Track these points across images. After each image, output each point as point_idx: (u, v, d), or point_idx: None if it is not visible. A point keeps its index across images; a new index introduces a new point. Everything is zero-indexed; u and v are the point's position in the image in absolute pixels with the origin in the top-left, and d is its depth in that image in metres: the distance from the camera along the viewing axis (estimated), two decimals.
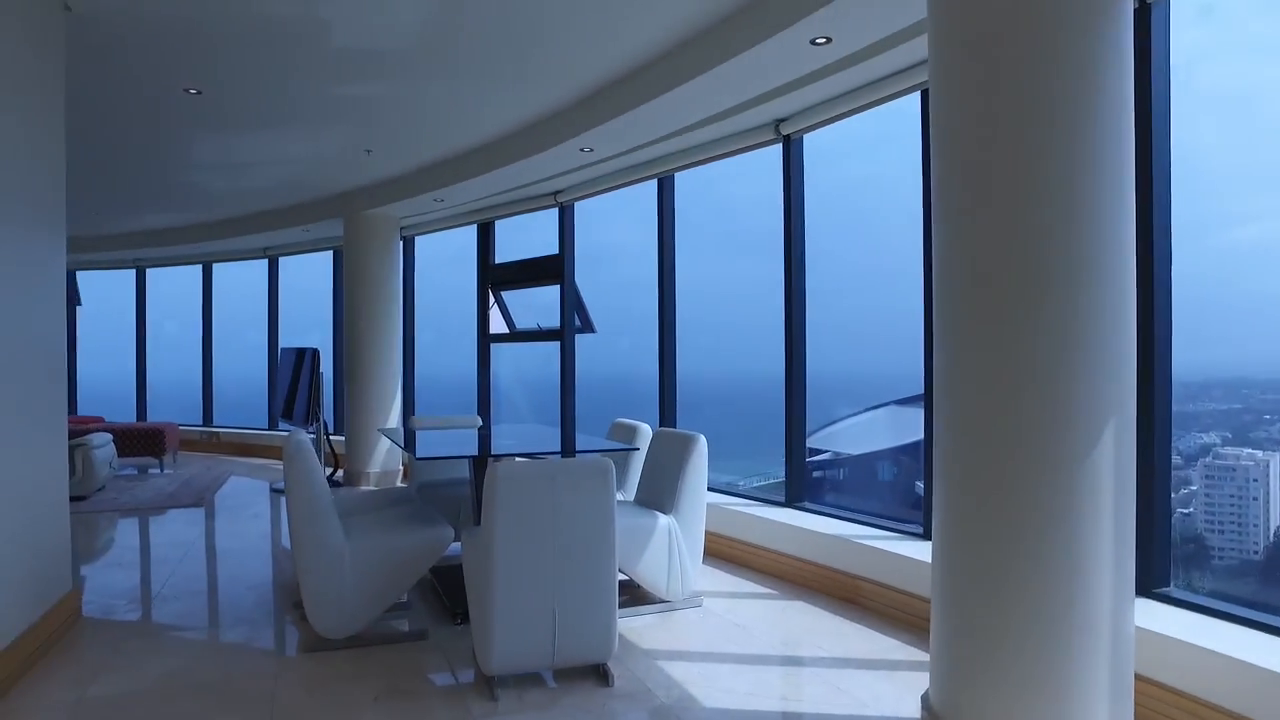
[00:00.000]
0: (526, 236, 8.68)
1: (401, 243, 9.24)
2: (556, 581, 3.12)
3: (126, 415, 11.68)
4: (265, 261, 10.81)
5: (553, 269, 7.81)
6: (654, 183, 6.46)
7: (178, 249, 10.60)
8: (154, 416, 11.64)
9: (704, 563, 4.50)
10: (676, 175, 6.30)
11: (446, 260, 10.47)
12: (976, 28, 2.46)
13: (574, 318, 7.76)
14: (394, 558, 3.70)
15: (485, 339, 8.73)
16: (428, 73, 4.88)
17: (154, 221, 9.93)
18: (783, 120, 5.07)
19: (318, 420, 8.13)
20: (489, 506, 3.07)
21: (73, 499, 7.31)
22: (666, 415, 6.39)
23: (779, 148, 5.21)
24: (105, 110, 5.54)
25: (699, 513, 4.26)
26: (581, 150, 5.85)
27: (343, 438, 8.67)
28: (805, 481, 5.25)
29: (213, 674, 3.37)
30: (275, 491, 7.77)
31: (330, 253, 10.17)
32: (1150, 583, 3.08)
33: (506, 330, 8.66)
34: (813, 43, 3.76)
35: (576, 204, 7.62)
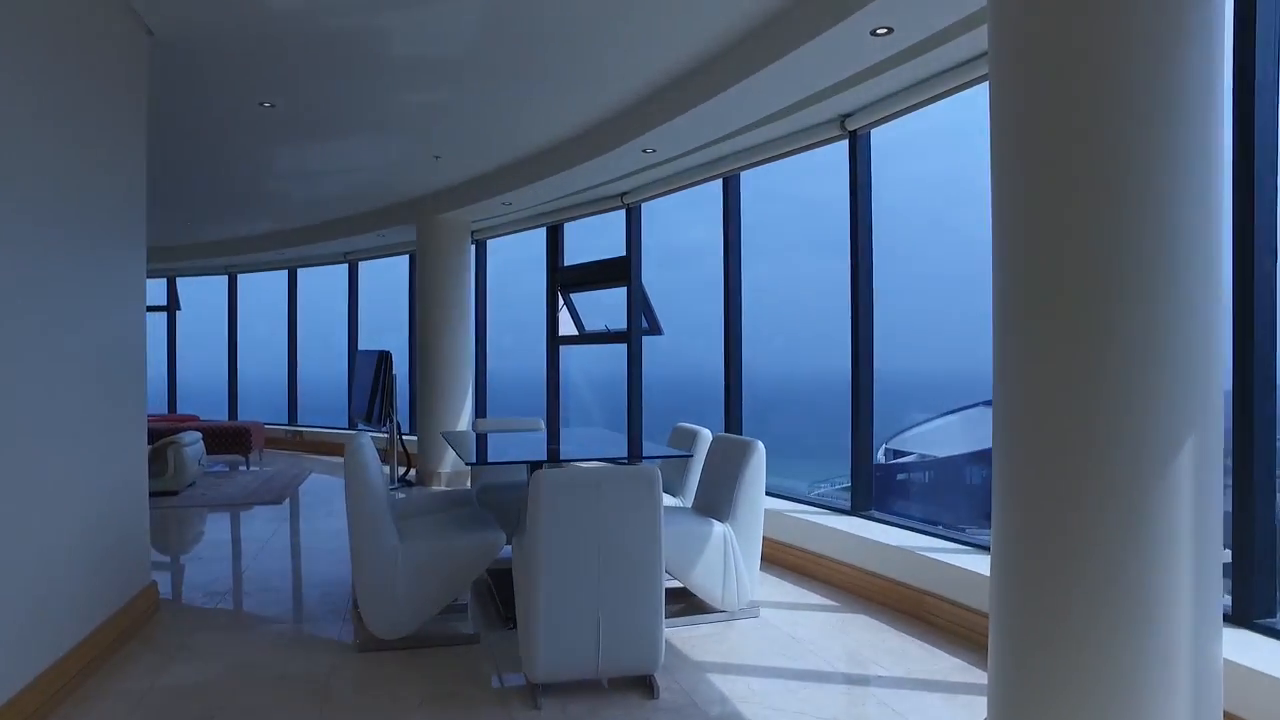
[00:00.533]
0: (597, 239, 8.70)
1: (474, 246, 9.41)
2: (602, 590, 3.07)
3: (220, 414, 12.24)
4: (346, 266, 11.15)
5: (620, 271, 7.79)
6: (719, 182, 6.36)
7: (265, 255, 11.04)
8: (244, 416, 12.15)
9: (765, 572, 4.39)
10: (748, 174, 6.18)
11: (527, 263, 10.59)
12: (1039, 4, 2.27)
13: (641, 319, 7.72)
14: (446, 560, 3.72)
15: (554, 341, 8.78)
16: (486, 77, 4.92)
17: (242, 229, 10.37)
18: (848, 115, 4.90)
19: (390, 421, 8.33)
20: (534, 513, 3.04)
21: (164, 494, 7.73)
22: (731, 418, 6.28)
23: (845, 144, 5.04)
24: (188, 126, 5.79)
25: (756, 520, 4.14)
26: (644, 151, 5.80)
27: (415, 438, 8.86)
28: (872, 489, 5.05)
29: (271, 669, 3.44)
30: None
31: (407, 256, 10.41)
32: (1251, 613, 2.83)
33: (575, 332, 8.69)
34: (873, 33, 3.61)
35: (643, 205, 7.58)
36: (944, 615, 3.84)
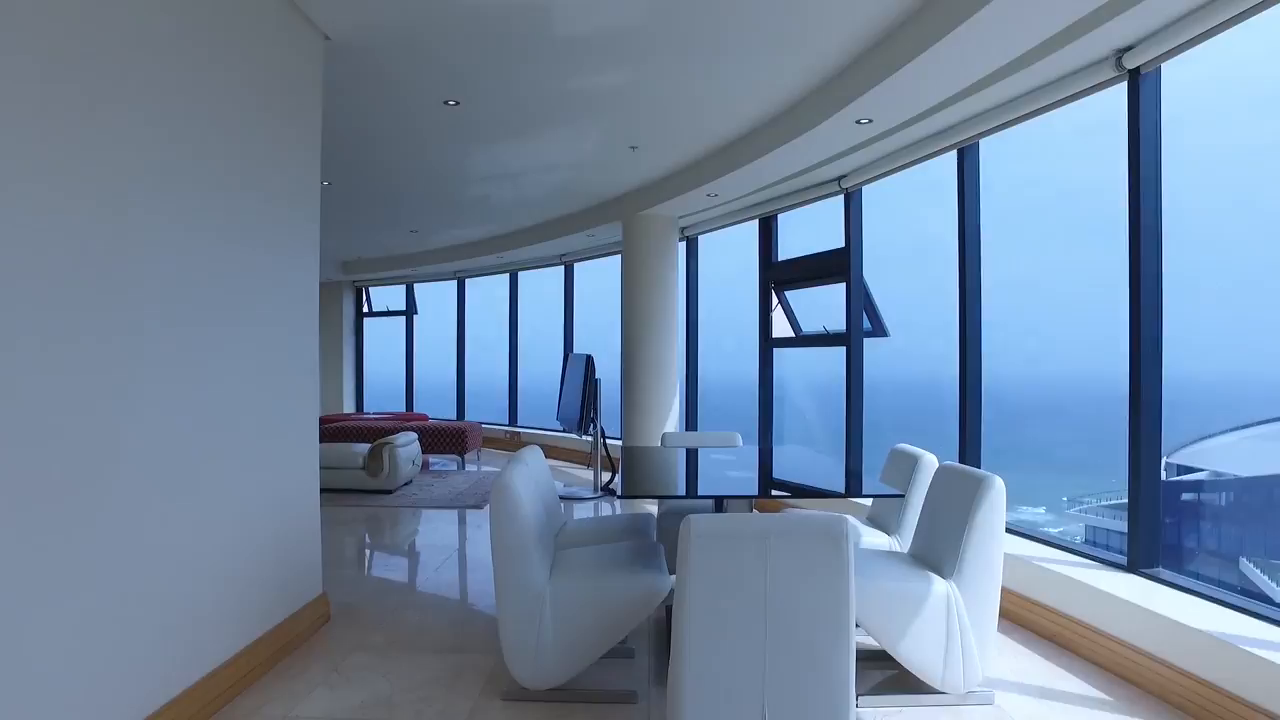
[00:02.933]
0: (816, 231, 7.86)
1: (684, 244, 8.92)
2: (768, 670, 2.37)
3: (451, 413, 12.81)
4: (562, 268, 11.14)
5: (838, 264, 6.91)
6: (952, 157, 5.32)
7: (487, 259, 11.31)
8: (471, 416, 12.61)
9: (1004, 634, 3.42)
10: (984, 143, 5.12)
11: (742, 261, 9.98)
12: None
13: (863, 319, 6.79)
14: (600, 606, 3.18)
15: (767, 343, 8.05)
16: (669, 49, 4.34)
17: (463, 234, 10.66)
18: (1127, 50, 3.75)
19: (594, 426, 8.05)
20: (681, 568, 2.40)
21: (380, 492, 7.98)
22: (968, 434, 5.21)
23: (1122, 88, 3.88)
24: (382, 131, 5.78)
25: (991, 579, 3.20)
26: (859, 122, 4.94)
27: (620, 441, 8.52)
28: (1159, 537, 3.83)
29: (407, 709, 3.10)
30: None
31: (619, 256, 10.16)
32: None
33: (791, 334, 7.91)
34: None
35: (863, 190, 6.65)
36: None
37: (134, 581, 2.65)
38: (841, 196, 6.81)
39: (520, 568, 3.12)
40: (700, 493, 3.54)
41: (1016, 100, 4.51)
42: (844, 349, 6.87)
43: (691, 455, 4.58)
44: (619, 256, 10.05)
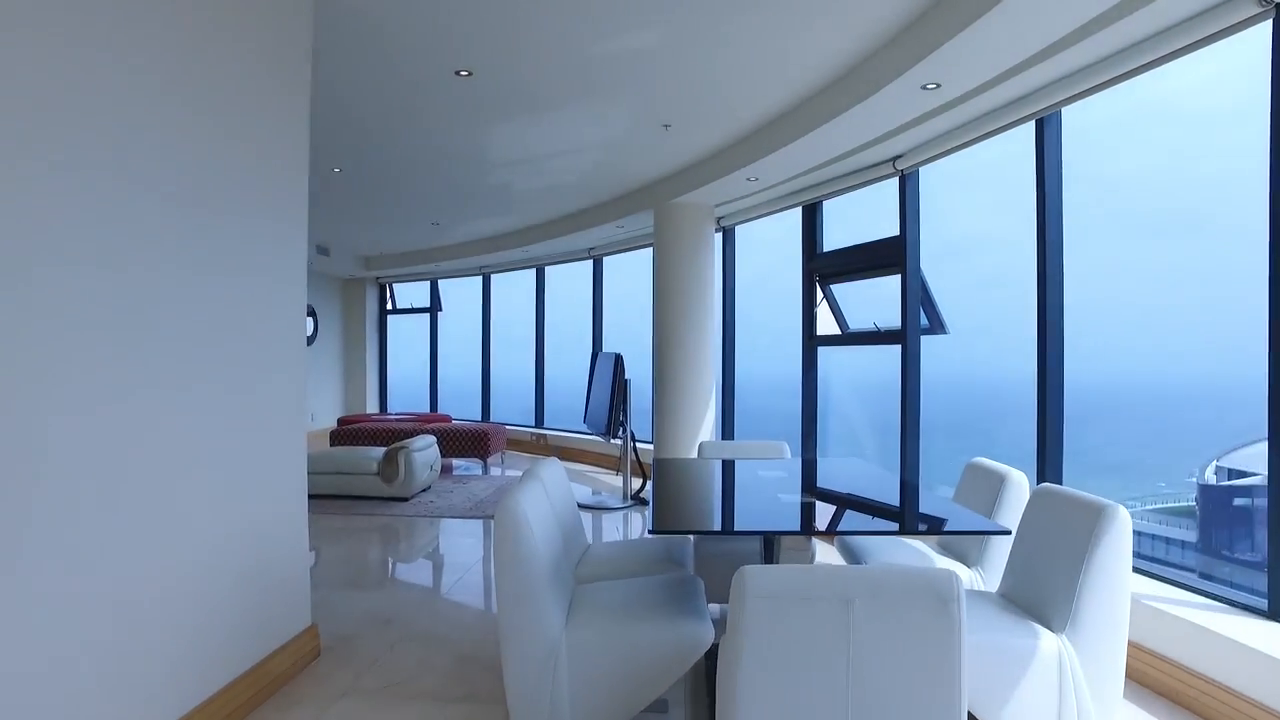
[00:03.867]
0: (857, 222, 7.22)
1: (720, 235, 8.31)
2: None
3: (476, 414, 12.31)
4: (591, 262, 10.58)
5: (892, 254, 6.26)
6: (1029, 130, 4.66)
7: (512, 253, 10.79)
8: (496, 417, 12.11)
9: (1128, 698, 2.80)
10: (1067, 112, 4.46)
11: (778, 255, 9.35)
12: None
13: (919, 315, 6.14)
14: (628, 660, 2.60)
15: (811, 341, 7.42)
16: (703, 6, 3.76)
17: (487, 227, 10.15)
18: None
19: (624, 430, 7.48)
20: (734, 634, 1.82)
21: (395, 499, 7.49)
22: (1048, 443, 4.56)
23: (1267, 27, 3.21)
24: (392, 105, 5.24)
25: (1115, 635, 2.57)
26: (925, 88, 4.31)
27: (651, 445, 7.94)
28: None
29: None
30: (583, 507, 7.23)
31: (650, 249, 9.57)
32: None
33: (837, 331, 7.27)
34: None
35: (921, 171, 6.00)
36: None
37: (67, 624, 2.13)
38: (896, 179, 6.16)
39: (530, 613, 2.55)
40: (746, 527, 2.94)
41: (1107, 61, 3.84)
42: (899, 348, 6.23)
43: (732, 470, 3.99)
44: (650, 250, 9.47)
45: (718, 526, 2.92)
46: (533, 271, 11.52)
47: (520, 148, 6.41)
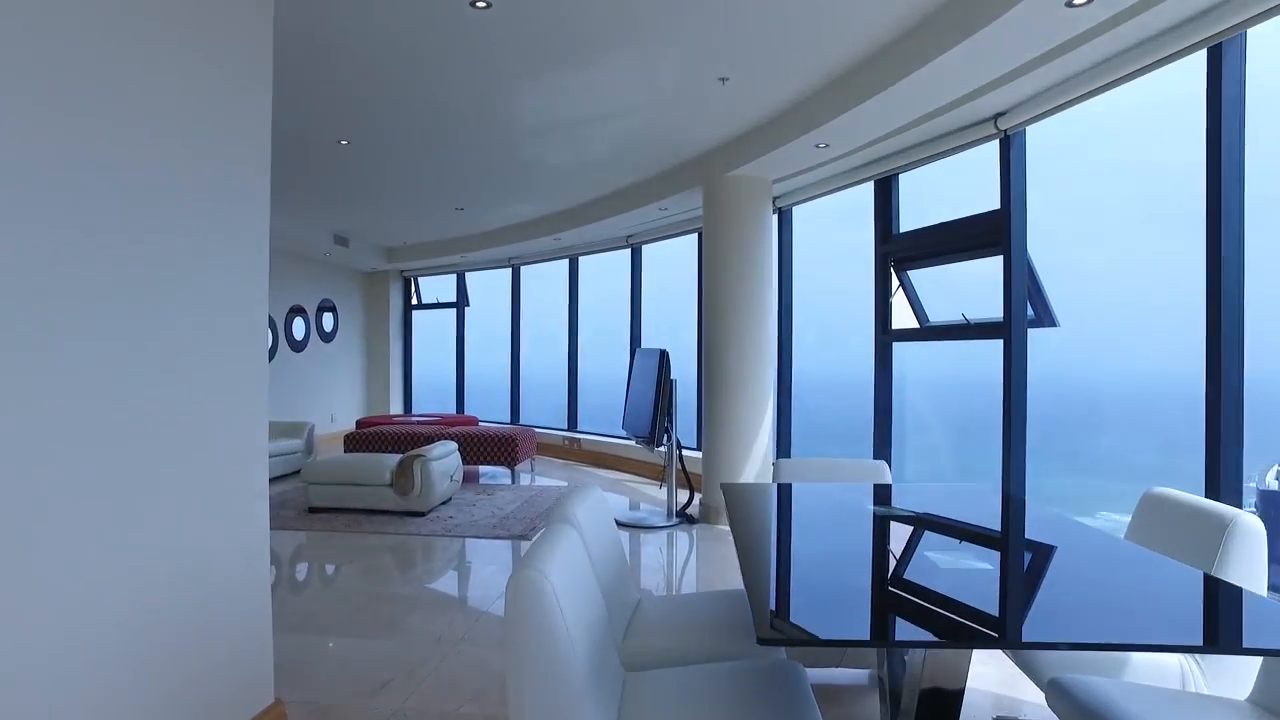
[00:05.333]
0: (929, 196, 6.23)
1: (775, 216, 7.34)
2: None
3: (505, 415, 11.48)
4: (629, 251, 9.66)
5: (990, 232, 5.27)
6: (1198, 60, 3.66)
7: (544, 242, 9.93)
8: (525, 418, 11.27)
9: None
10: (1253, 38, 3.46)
11: (837, 239, 8.36)
12: None
13: (1025, 305, 5.14)
14: None
15: (885, 336, 6.44)
16: None
17: (516, 213, 9.29)
18: None
19: (668, 436, 6.57)
20: None
21: (411, 514, 6.65)
22: (1224, 459, 3.56)
23: None
24: (394, 56, 4.37)
25: None
26: (1070, 5, 3.33)
27: (700, 454, 7.00)
28: None
29: None
30: (621, 525, 6.33)
31: (695, 235, 8.64)
32: None
33: (915, 325, 6.28)
34: None
35: (1027, 130, 4.99)
36: None
37: None
38: (996, 142, 5.17)
39: None
40: (914, 633, 1.96)
41: None
42: (998, 343, 5.24)
43: (838, 506, 3.04)
44: (695, 235, 8.54)
45: (866, 635, 1.90)
46: (565, 262, 10.64)
47: (550, 111, 5.51)
